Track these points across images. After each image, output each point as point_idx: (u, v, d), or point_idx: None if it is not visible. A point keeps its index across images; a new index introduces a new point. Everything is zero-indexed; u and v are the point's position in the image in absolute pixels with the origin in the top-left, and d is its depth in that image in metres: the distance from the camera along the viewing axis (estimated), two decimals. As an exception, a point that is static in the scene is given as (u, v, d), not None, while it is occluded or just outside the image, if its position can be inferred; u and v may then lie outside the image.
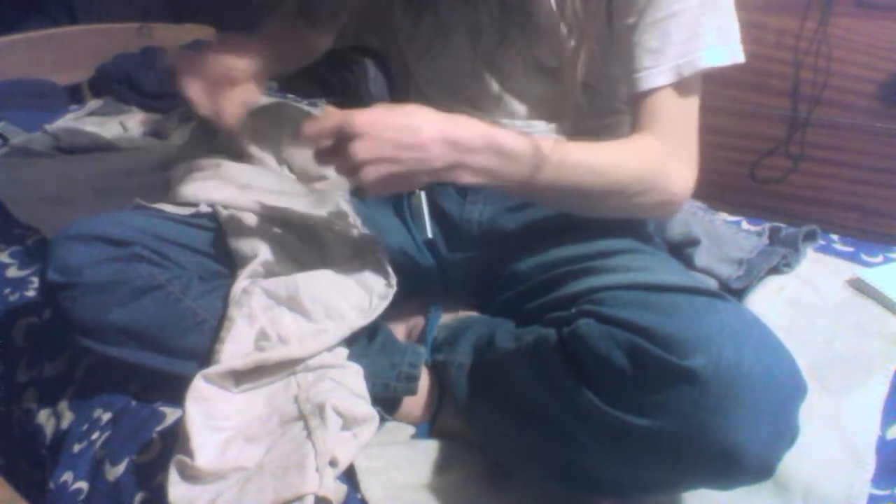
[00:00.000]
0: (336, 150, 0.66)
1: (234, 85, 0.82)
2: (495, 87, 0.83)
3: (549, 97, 0.81)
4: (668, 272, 0.71)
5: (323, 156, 0.69)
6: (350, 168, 0.66)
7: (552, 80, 0.79)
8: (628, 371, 0.56)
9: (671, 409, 0.55)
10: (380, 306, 0.77)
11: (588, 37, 0.73)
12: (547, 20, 0.76)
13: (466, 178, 0.68)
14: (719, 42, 0.72)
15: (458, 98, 0.86)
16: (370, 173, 0.65)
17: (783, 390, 0.55)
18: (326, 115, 0.67)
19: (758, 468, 0.56)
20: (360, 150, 0.64)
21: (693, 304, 0.59)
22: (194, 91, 0.80)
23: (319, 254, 0.82)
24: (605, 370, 0.58)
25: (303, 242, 0.83)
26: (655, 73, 0.72)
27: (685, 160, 0.74)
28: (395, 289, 0.78)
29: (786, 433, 0.56)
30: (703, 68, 0.72)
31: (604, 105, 0.82)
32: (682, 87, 0.73)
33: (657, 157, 0.72)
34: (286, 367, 0.73)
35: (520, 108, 0.84)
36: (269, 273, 0.78)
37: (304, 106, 1.25)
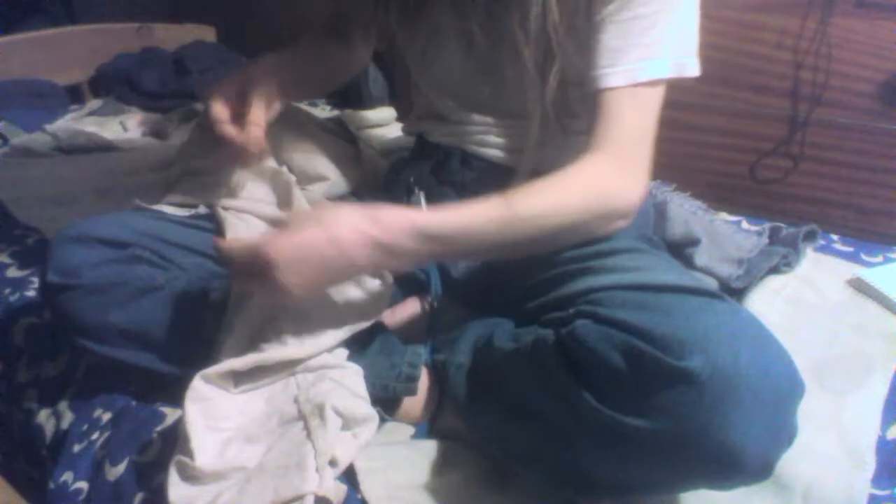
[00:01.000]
0: (255, 273, 0.64)
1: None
2: (490, 88, 0.83)
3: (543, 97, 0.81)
4: (666, 272, 0.71)
5: (241, 279, 0.69)
6: (278, 293, 0.64)
7: (544, 80, 0.79)
8: (625, 372, 0.56)
9: (669, 410, 0.55)
10: (379, 308, 0.77)
11: (569, 36, 0.73)
12: (533, 23, 0.75)
13: (405, 268, 0.68)
14: (676, 54, 0.71)
15: (456, 99, 0.86)
16: (301, 293, 0.65)
17: (781, 390, 0.55)
18: (228, 243, 0.67)
19: (756, 468, 0.56)
20: (286, 279, 0.63)
21: (690, 304, 0.59)
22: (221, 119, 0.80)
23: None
24: (602, 371, 0.58)
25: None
26: (611, 73, 0.71)
27: (632, 173, 0.72)
28: (393, 289, 0.78)
29: (784, 432, 0.56)
30: (657, 78, 0.71)
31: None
32: (638, 93, 0.71)
33: (599, 181, 0.71)
34: (285, 367, 0.73)
35: (516, 108, 0.83)
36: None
37: (304, 106, 1.25)
